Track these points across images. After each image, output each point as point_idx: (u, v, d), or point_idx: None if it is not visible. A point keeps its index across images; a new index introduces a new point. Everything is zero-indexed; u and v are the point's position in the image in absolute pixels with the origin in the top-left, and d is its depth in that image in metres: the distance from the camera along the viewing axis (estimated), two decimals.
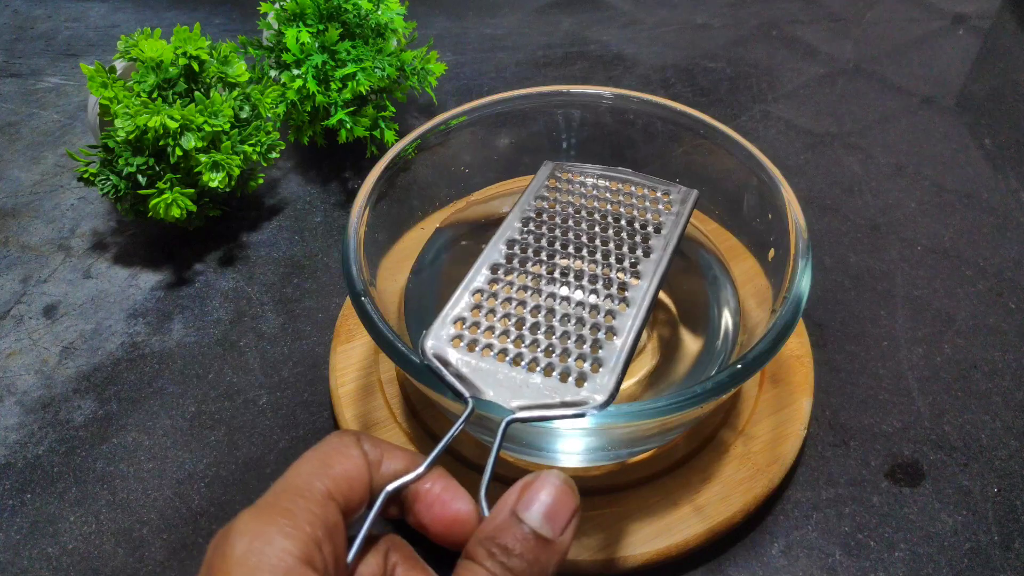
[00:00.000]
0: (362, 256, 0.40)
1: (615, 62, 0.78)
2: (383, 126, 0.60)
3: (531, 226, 0.39)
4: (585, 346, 0.32)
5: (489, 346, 0.32)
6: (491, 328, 0.33)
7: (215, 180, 0.53)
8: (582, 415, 0.30)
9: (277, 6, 0.60)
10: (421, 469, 0.26)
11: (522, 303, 0.34)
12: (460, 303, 0.34)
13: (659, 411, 0.33)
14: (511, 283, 0.35)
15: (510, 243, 0.37)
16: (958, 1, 0.86)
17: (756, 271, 0.46)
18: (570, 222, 0.39)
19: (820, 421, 0.47)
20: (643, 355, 0.46)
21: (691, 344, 0.46)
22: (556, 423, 0.31)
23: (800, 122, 0.69)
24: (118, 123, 0.51)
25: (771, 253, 0.43)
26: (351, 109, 0.58)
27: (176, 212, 0.52)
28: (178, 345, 0.52)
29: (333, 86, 0.57)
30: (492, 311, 0.34)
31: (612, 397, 0.31)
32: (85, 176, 0.54)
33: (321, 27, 0.58)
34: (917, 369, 0.49)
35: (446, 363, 0.32)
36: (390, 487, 0.26)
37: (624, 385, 0.44)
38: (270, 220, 0.61)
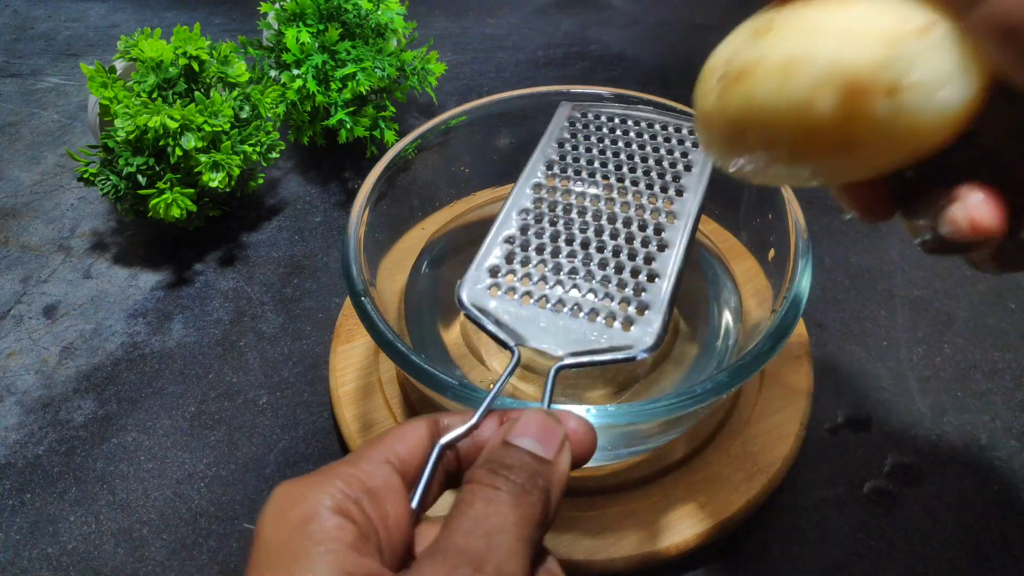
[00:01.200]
0: (362, 256, 0.40)
1: (615, 62, 0.78)
2: (383, 126, 0.60)
3: (556, 170, 0.37)
4: (627, 289, 0.31)
5: (528, 293, 0.31)
6: (528, 275, 0.32)
7: (215, 180, 0.53)
8: (633, 358, 0.30)
9: (277, 6, 0.60)
10: (473, 420, 0.27)
11: (556, 249, 0.33)
12: (493, 251, 0.33)
13: (659, 411, 0.33)
14: (542, 229, 0.34)
15: (536, 187, 0.36)
16: None
17: (756, 271, 0.46)
18: (596, 164, 0.37)
19: (820, 421, 0.46)
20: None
21: (691, 344, 0.46)
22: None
23: None
24: (118, 123, 0.51)
25: (771, 253, 0.43)
26: (351, 109, 0.58)
27: (176, 212, 0.52)
28: (178, 345, 0.52)
29: (333, 86, 0.57)
30: (526, 258, 0.33)
31: (661, 339, 0.30)
32: (85, 176, 0.54)
33: (321, 27, 0.58)
34: (917, 369, 0.49)
35: (485, 312, 0.31)
36: (443, 439, 0.26)
37: (623, 385, 0.44)
38: (270, 220, 0.61)
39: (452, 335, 0.46)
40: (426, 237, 0.49)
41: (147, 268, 0.58)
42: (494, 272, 0.32)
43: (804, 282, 0.38)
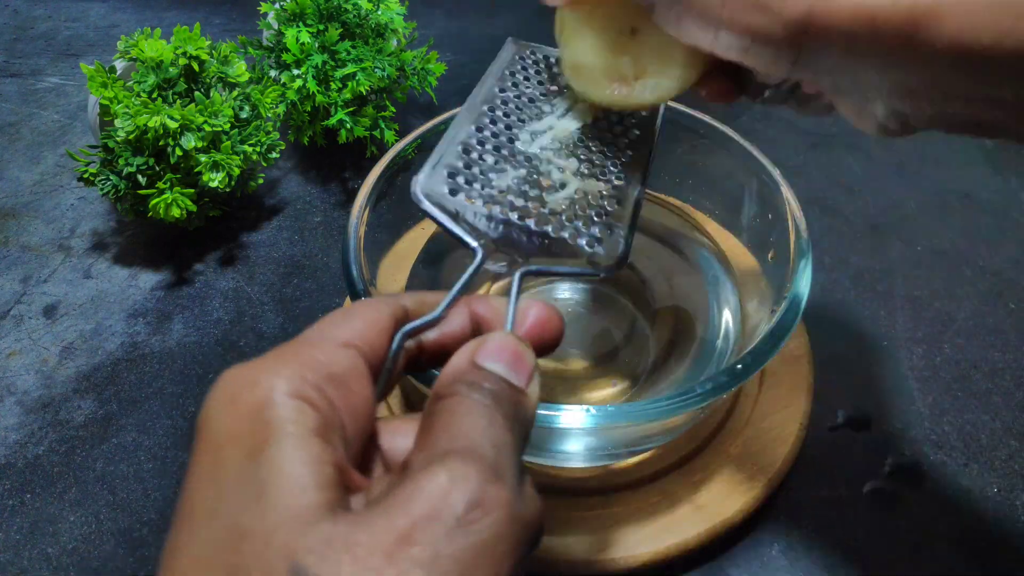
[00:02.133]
0: (362, 256, 0.40)
1: None
2: (383, 126, 0.60)
3: (509, 94, 0.35)
4: (591, 210, 0.31)
5: (492, 199, 0.30)
6: (489, 183, 0.31)
7: (215, 180, 0.53)
8: (596, 274, 0.29)
9: (277, 6, 0.60)
10: (438, 311, 0.25)
11: (516, 164, 0.32)
12: (449, 152, 0.31)
13: (659, 411, 0.33)
14: (500, 142, 0.32)
15: (491, 106, 0.34)
16: None
17: (756, 271, 0.46)
18: (551, 103, 0.35)
19: (820, 421, 0.46)
20: (643, 355, 0.46)
21: (691, 344, 0.46)
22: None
23: (801, 122, 0.69)
24: (118, 123, 0.51)
25: (771, 253, 0.43)
26: (351, 109, 0.58)
27: (176, 212, 0.52)
28: (178, 345, 0.52)
29: (333, 86, 0.57)
30: (489, 164, 0.31)
31: (623, 260, 0.29)
32: (85, 176, 0.54)
33: (321, 27, 0.58)
34: (917, 369, 0.49)
35: (445, 211, 0.29)
36: (406, 327, 0.25)
37: (624, 384, 0.44)
38: (270, 220, 0.61)
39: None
40: (426, 237, 0.49)
41: (147, 268, 0.58)
42: (453, 174, 0.30)
43: (804, 282, 0.38)
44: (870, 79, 0.24)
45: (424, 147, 0.47)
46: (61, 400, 0.49)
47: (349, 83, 0.57)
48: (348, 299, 0.52)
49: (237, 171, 0.53)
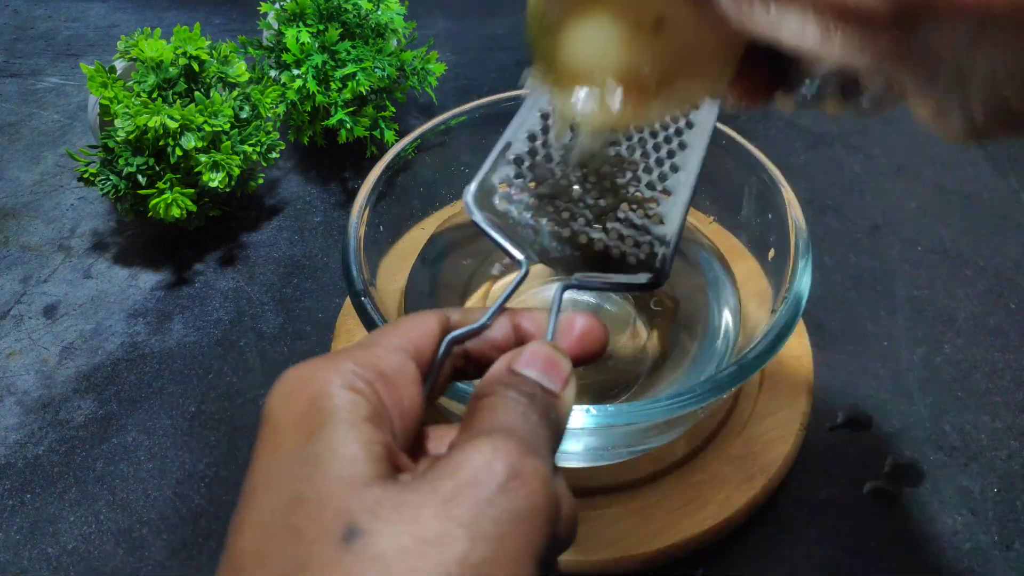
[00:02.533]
0: (362, 256, 0.40)
1: None
2: (383, 126, 0.60)
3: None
4: (635, 226, 0.31)
5: (539, 210, 0.30)
6: (539, 194, 0.31)
7: (215, 180, 0.53)
8: (639, 288, 0.29)
9: (277, 6, 0.60)
10: (484, 319, 0.27)
11: (566, 174, 0.32)
12: (501, 163, 0.32)
13: (659, 411, 0.33)
14: (550, 156, 0.32)
15: (544, 115, 0.34)
16: None
17: (756, 271, 0.46)
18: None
19: (820, 421, 0.46)
20: (643, 355, 0.46)
21: (691, 344, 0.46)
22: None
23: (800, 122, 0.69)
24: (118, 123, 0.51)
25: (771, 253, 0.43)
26: (351, 109, 0.58)
27: (176, 212, 0.52)
28: (178, 345, 0.52)
29: (333, 86, 0.57)
30: (537, 177, 0.32)
31: (664, 277, 0.30)
32: (85, 176, 0.54)
33: (321, 27, 0.58)
34: (917, 369, 0.49)
35: (494, 223, 0.30)
36: (452, 334, 0.26)
37: (623, 385, 0.44)
38: (270, 220, 0.61)
39: None
40: (426, 237, 0.49)
41: (147, 268, 0.58)
42: (504, 185, 0.31)
43: (804, 282, 0.38)
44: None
45: (424, 147, 0.47)
46: (61, 400, 0.49)
47: (349, 83, 0.57)
48: (348, 299, 0.52)
49: (237, 171, 0.53)
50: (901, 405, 0.47)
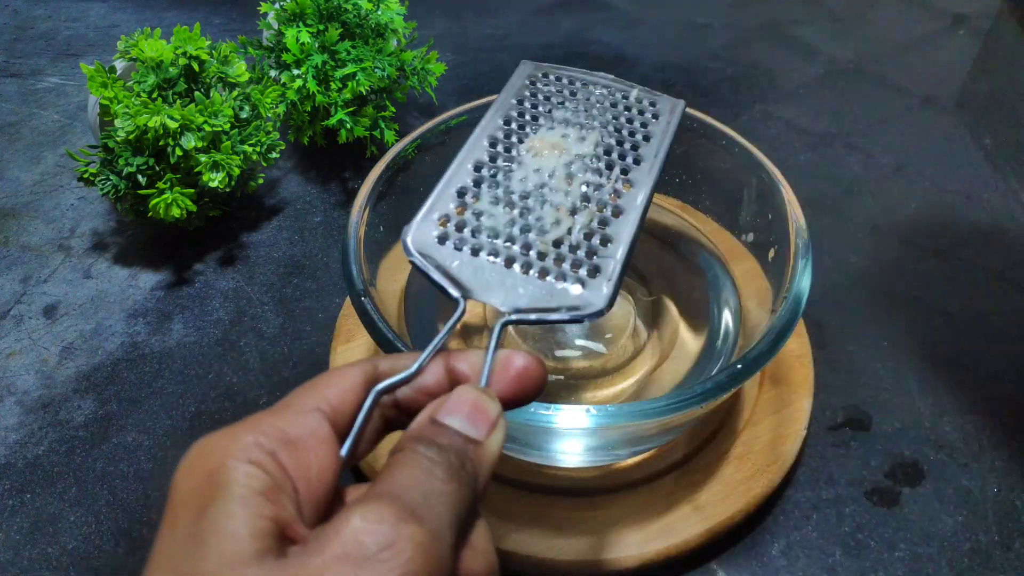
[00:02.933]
0: (362, 256, 0.40)
1: (615, 62, 0.78)
2: (383, 126, 0.60)
3: (513, 125, 0.36)
4: (580, 252, 0.31)
5: (478, 246, 0.30)
6: (478, 228, 0.31)
7: (215, 180, 0.53)
8: (580, 320, 0.29)
9: (277, 6, 0.60)
10: (413, 368, 0.26)
11: (510, 203, 0.32)
12: (443, 199, 0.32)
13: (659, 411, 0.33)
14: (495, 183, 0.33)
15: (492, 141, 0.35)
16: (958, 1, 0.86)
17: (756, 271, 0.46)
18: (555, 122, 0.36)
19: (820, 421, 0.46)
20: (643, 355, 0.46)
21: (692, 344, 0.46)
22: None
23: (800, 122, 0.69)
24: (118, 123, 0.51)
25: (771, 253, 0.43)
26: (351, 109, 0.58)
27: (176, 212, 0.52)
28: (178, 345, 0.52)
29: (333, 86, 0.57)
30: (478, 211, 0.32)
31: (610, 304, 0.29)
32: (85, 176, 0.54)
33: (321, 27, 0.58)
34: (917, 369, 0.49)
35: (432, 261, 0.30)
36: (379, 386, 0.25)
37: (624, 384, 0.44)
38: (270, 220, 0.61)
39: (452, 336, 0.46)
40: None
41: (147, 268, 0.58)
42: (444, 222, 0.31)
43: (804, 282, 0.38)
44: None
45: (424, 147, 0.47)
46: (61, 400, 0.49)
47: (349, 83, 0.57)
48: (348, 299, 0.52)
49: (237, 171, 0.53)
50: (901, 405, 0.47)
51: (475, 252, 0.30)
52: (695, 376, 0.43)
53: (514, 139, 0.35)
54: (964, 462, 0.45)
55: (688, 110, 0.47)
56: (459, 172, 0.33)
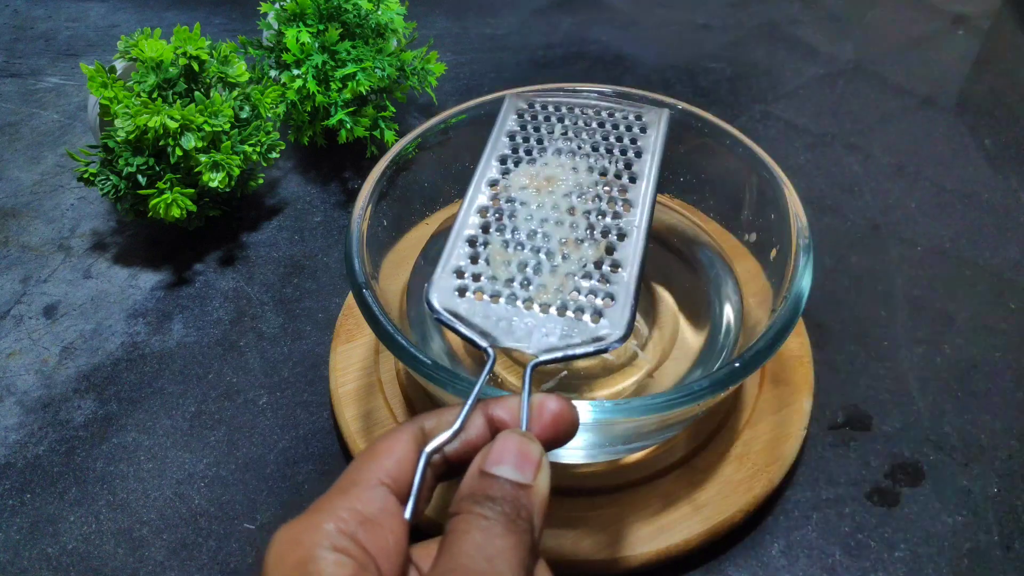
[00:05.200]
0: (364, 250, 0.40)
1: (615, 62, 0.78)
2: (383, 126, 0.60)
3: (509, 164, 0.37)
4: (592, 282, 0.32)
5: (496, 293, 0.31)
6: (494, 276, 0.32)
7: (215, 180, 0.53)
8: (604, 350, 0.30)
9: (277, 6, 0.60)
10: (456, 425, 0.27)
11: (519, 245, 0.33)
12: (456, 252, 0.33)
13: (657, 407, 0.33)
14: (502, 226, 0.34)
15: (492, 183, 0.36)
16: (958, 1, 0.86)
17: (757, 271, 0.46)
18: (549, 154, 0.37)
19: (820, 421, 0.46)
20: (645, 352, 0.46)
21: (693, 342, 0.46)
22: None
23: (800, 122, 0.69)
24: (118, 123, 0.51)
25: (772, 252, 0.43)
26: (351, 109, 0.58)
27: (176, 212, 0.52)
28: (178, 345, 0.52)
29: (333, 86, 0.57)
30: (490, 258, 0.33)
31: (630, 329, 0.30)
32: (85, 176, 0.54)
33: (321, 27, 0.58)
34: (917, 369, 0.49)
35: (456, 315, 0.31)
36: (427, 449, 0.26)
37: (625, 383, 0.44)
38: (270, 220, 0.61)
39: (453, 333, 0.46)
40: (428, 235, 0.49)
41: (147, 268, 0.58)
42: (460, 274, 0.32)
43: (804, 282, 0.38)
44: None
45: (425, 145, 0.47)
46: (61, 400, 0.49)
47: (349, 83, 0.57)
48: (348, 299, 0.52)
49: (237, 171, 0.53)
50: (901, 405, 0.47)
51: (494, 299, 0.31)
52: (696, 374, 0.43)
53: (512, 179, 0.36)
54: (964, 462, 0.45)
55: (691, 108, 0.47)
56: (466, 222, 0.34)
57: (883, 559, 0.41)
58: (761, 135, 0.68)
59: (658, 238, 0.51)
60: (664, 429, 0.40)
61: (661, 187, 0.51)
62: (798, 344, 0.47)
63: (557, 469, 0.42)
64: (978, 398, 0.48)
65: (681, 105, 0.47)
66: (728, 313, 0.46)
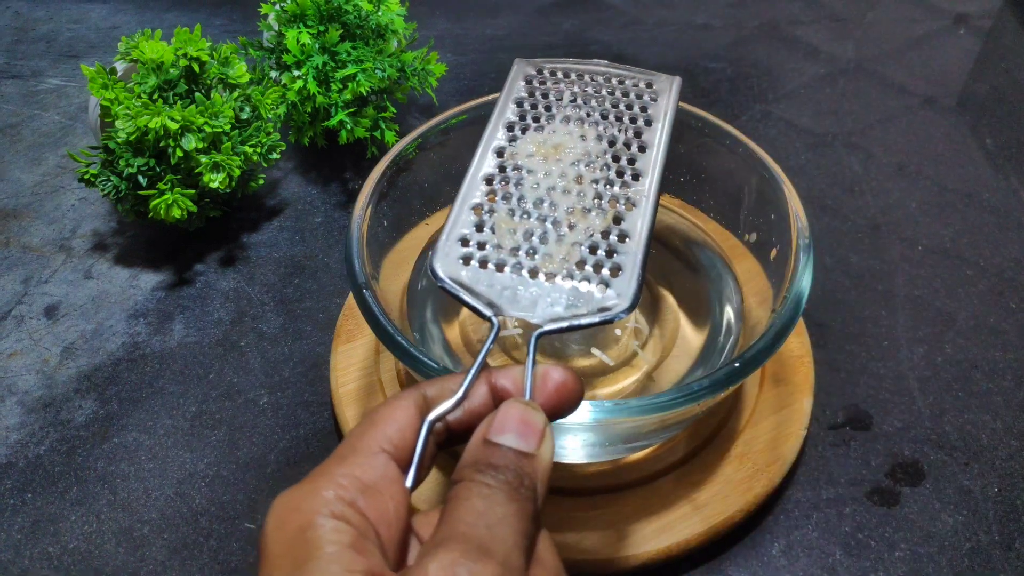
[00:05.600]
0: (364, 251, 0.40)
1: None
2: (383, 127, 0.60)
3: (516, 131, 0.36)
4: (599, 252, 0.31)
5: (501, 262, 0.31)
6: (499, 244, 0.31)
7: (216, 181, 0.53)
8: (610, 320, 0.29)
9: (278, 7, 0.60)
10: (459, 394, 0.27)
11: (525, 213, 0.32)
12: (461, 220, 0.32)
13: (657, 407, 0.33)
14: (508, 194, 0.33)
15: (498, 151, 0.35)
16: (959, 1, 0.86)
17: (757, 271, 0.46)
18: (557, 122, 0.36)
19: (820, 421, 0.46)
20: (645, 352, 0.46)
21: (694, 341, 0.46)
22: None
23: (801, 122, 0.69)
24: (119, 124, 0.51)
25: (773, 252, 0.43)
26: (351, 110, 0.58)
27: (177, 213, 0.52)
28: (179, 345, 0.52)
29: (333, 87, 0.57)
30: (496, 226, 0.32)
31: (636, 300, 0.30)
32: (86, 177, 0.54)
33: (321, 28, 0.58)
34: (917, 369, 0.49)
35: (460, 283, 0.30)
36: (429, 417, 0.26)
37: (625, 382, 0.44)
38: (270, 221, 0.61)
39: (453, 332, 0.46)
40: (428, 235, 0.49)
41: (148, 268, 0.58)
42: (465, 242, 0.31)
43: (804, 281, 0.38)
44: None
45: (425, 146, 0.47)
46: (62, 400, 0.49)
47: (349, 84, 0.57)
48: (348, 299, 0.52)
49: (238, 172, 0.53)
50: (901, 405, 0.47)
51: (499, 268, 0.31)
52: (696, 373, 0.43)
53: (519, 146, 0.35)
54: (964, 462, 0.45)
55: (691, 108, 0.47)
56: (472, 189, 0.33)
57: (883, 559, 0.41)
58: (761, 135, 0.68)
59: (658, 238, 0.51)
60: (664, 429, 0.40)
61: (661, 187, 0.51)
62: (798, 344, 0.47)
63: (558, 469, 0.42)
64: (978, 398, 0.48)
65: (681, 104, 0.47)
66: (728, 313, 0.46)
